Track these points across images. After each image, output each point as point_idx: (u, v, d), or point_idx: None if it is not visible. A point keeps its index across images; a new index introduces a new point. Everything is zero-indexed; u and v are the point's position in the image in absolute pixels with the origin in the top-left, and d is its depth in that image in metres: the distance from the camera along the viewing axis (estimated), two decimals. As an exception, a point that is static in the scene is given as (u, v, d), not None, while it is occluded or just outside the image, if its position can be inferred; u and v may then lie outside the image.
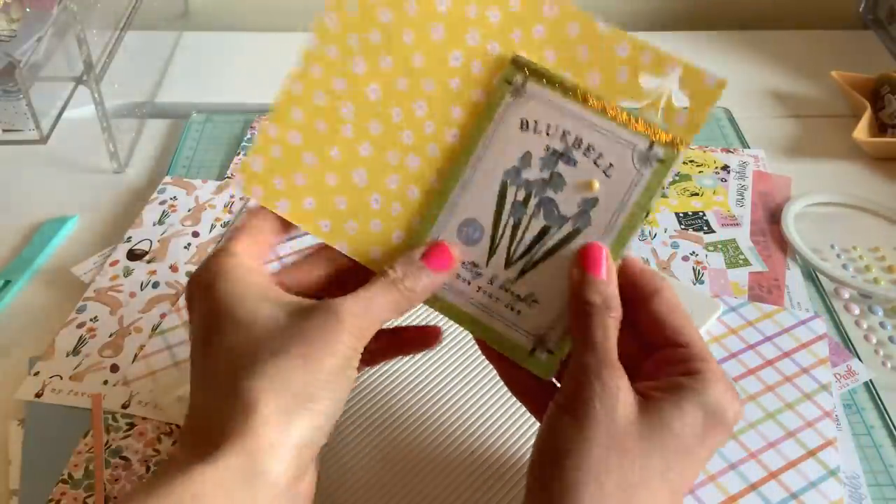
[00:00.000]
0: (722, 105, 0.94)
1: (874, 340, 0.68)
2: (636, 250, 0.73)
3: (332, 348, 0.43)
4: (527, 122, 0.48)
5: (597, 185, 0.47)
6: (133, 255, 0.74)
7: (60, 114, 0.77)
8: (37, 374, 0.64)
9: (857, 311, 0.70)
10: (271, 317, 0.44)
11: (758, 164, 0.85)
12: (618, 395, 0.42)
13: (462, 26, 0.49)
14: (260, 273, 0.47)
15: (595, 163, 0.47)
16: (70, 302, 0.71)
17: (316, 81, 0.53)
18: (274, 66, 1.02)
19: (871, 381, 0.64)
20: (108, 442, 0.60)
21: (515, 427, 0.59)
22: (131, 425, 0.61)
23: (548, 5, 0.48)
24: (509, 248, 0.48)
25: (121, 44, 0.84)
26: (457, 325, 0.49)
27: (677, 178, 0.82)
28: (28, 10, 0.76)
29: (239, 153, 0.86)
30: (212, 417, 0.43)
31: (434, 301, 0.49)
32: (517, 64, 0.48)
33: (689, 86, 0.47)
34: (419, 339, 0.54)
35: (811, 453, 0.58)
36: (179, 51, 1.05)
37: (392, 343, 0.53)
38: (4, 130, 0.73)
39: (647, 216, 0.46)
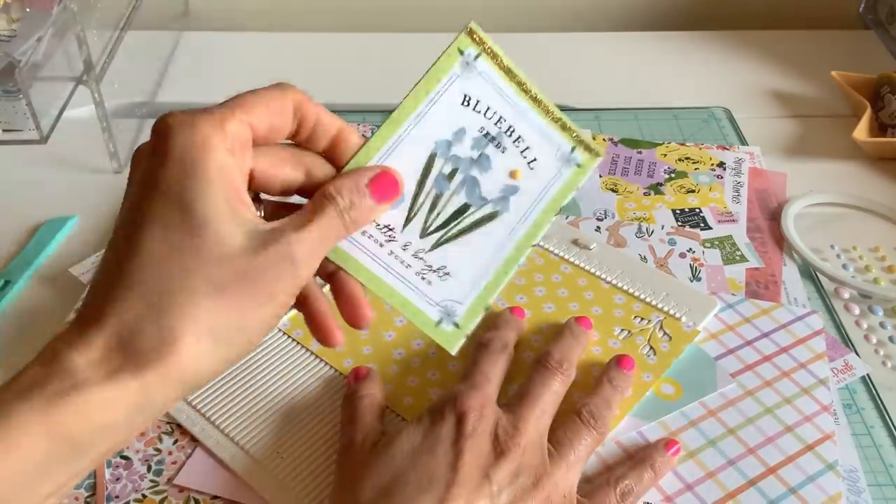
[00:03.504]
0: (722, 105, 0.94)
1: (874, 340, 0.68)
2: (634, 247, 0.74)
3: (276, 298, 0.41)
4: (469, 98, 0.48)
5: (521, 174, 0.48)
6: (132, 254, 0.74)
7: (60, 114, 0.77)
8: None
9: (857, 311, 0.70)
10: (227, 235, 0.40)
11: (753, 161, 0.85)
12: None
13: None
14: (239, 169, 0.42)
15: (522, 154, 0.48)
16: (69, 302, 0.71)
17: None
18: (274, 66, 1.03)
19: (871, 381, 0.64)
20: (107, 440, 0.60)
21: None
22: (130, 423, 0.61)
23: (564, 265, 0.69)
24: (426, 219, 0.48)
25: (121, 44, 0.84)
26: None
27: (673, 174, 0.83)
28: (28, 10, 0.76)
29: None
30: (128, 333, 0.39)
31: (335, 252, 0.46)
32: (473, 36, 0.48)
33: (669, 326, 0.64)
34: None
35: (809, 447, 0.58)
36: (179, 51, 1.05)
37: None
38: (4, 130, 0.73)
39: (556, 214, 0.48)
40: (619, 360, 0.60)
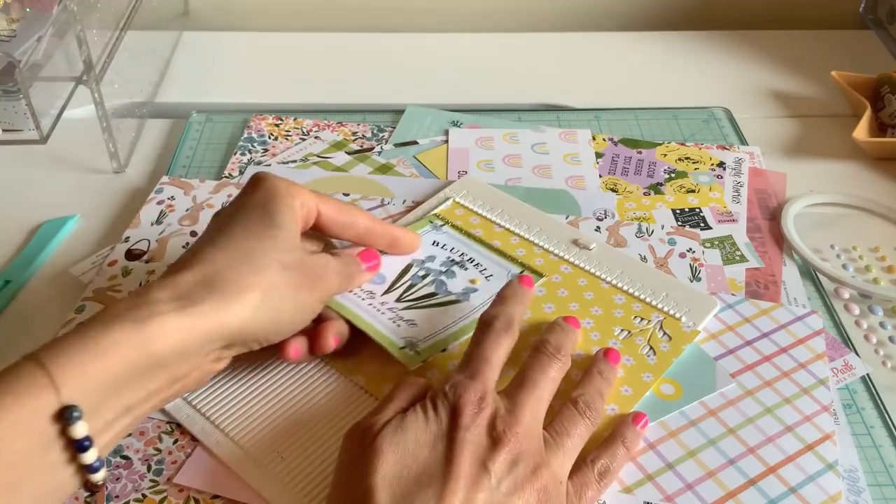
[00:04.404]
0: (722, 105, 0.94)
1: (874, 340, 0.68)
2: (633, 247, 0.74)
3: (317, 293, 0.58)
4: (437, 242, 0.72)
5: (479, 281, 0.69)
6: (131, 255, 0.74)
7: (60, 114, 0.77)
8: (36, 373, 0.64)
9: (857, 311, 0.70)
10: (293, 238, 0.58)
11: (753, 161, 0.85)
12: None
13: None
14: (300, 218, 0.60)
15: (480, 271, 0.70)
16: (69, 302, 0.71)
17: None
18: (274, 66, 1.04)
19: (871, 381, 0.64)
20: (107, 440, 0.60)
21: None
22: (131, 423, 0.61)
23: (564, 265, 0.71)
24: (402, 294, 0.67)
25: (121, 44, 0.84)
26: None
27: (673, 174, 0.83)
28: (28, 10, 0.76)
29: (236, 153, 0.86)
30: (212, 275, 0.53)
31: (339, 307, 0.64)
32: (440, 216, 0.75)
33: (669, 326, 0.65)
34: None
35: (809, 447, 0.58)
36: (179, 51, 1.05)
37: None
38: (4, 130, 0.73)
39: None
40: (605, 353, 0.61)
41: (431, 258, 0.71)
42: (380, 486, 0.48)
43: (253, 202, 0.58)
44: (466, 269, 0.70)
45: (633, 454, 0.57)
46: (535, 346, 0.59)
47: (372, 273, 0.66)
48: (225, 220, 0.57)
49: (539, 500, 0.50)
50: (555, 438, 0.54)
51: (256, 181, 0.59)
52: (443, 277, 0.69)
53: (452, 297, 0.67)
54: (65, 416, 0.45)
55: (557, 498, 0.51)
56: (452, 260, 0.70)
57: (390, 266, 0.69)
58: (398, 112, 0.93)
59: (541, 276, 0.69)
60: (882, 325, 0.69)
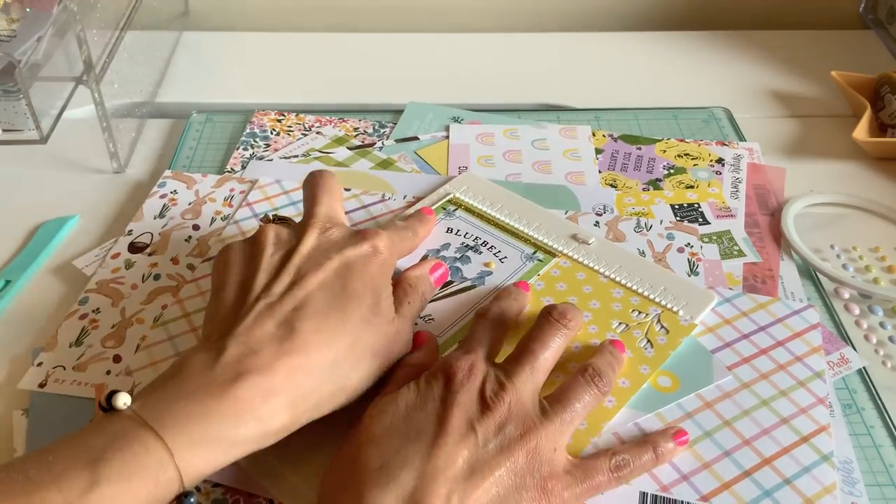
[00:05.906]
0: (722, 105, 0.94)
1: (874, 340, 0.68)
2: (632, 242, 0.74)
3: (392, 358, 0.59)
4: (451, 228, 0.74)
5: (493, 265, 0.71)
6: (134, 248, 0.74)
7: (60, 114, 0.77)
8: (40, 364, 0.65)
9: (857, 311, 0.70)
10: (389, 317, 0.59)
11: (752, 157, 0.85)
12: None
13: None
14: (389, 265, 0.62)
15: (494, 254, 0.72)
16: (72, 294, 0.71)
17: None
18: (274, 66, 1.04)
19: (871, 381, 0.64)
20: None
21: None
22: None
23: (563, 259, 0.71)
24: None
25: (121, 44, 0.84)
26: None
27: (672, 170, 0.83)
28: (28, 10, 0.76)
29: (238, 148, 0.87)
30: (335, 374, 0.55)
31: None
32: (452, 201, 0.77)
33: (666, 320, 0.66)
34: None
35: (805, 439, 0.58)
36: (179, 51, 1.05)
37: None
38: (4, 130, 0.74)
39: None
40: (612, 341, 0.62)
41: (446, 246, 0.72)
42: (368, 443, 0.51)
43: (369, 272, 0.59)
44: (481, 252, 0.72)
45: (659, 463, 0.57)
46: (540, 313, 0.61)
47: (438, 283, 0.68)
48: (343, 291, 0.57)
49: (528, 461, 0.52)
50: (553, 406, 0.55)
51: (376, 249, 0.61)
52: (458, 264, 0.71)
53: (468, 283, 0.69)
54: (181, 501, 0.49)
55: (550, 462, 0.52)
56: (466, 245, 0.73)
57: (406, 260, 0.70)
58: (398, 112, 0.93)
59: (553, 256, 0.71)
60: (882, 325, 0.69)
